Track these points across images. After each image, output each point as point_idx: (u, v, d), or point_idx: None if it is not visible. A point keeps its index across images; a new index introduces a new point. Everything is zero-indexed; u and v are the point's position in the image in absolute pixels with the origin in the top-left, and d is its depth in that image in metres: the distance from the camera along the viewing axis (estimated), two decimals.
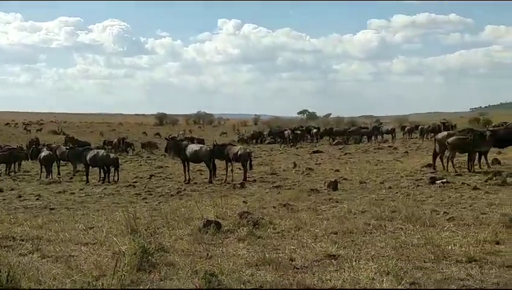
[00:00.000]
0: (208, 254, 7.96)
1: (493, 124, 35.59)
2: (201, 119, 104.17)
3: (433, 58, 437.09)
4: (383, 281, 6.39)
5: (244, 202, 13.79)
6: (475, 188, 14.42)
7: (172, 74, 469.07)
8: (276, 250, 8.18)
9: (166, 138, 24.69)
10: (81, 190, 19.61)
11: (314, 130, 50.06)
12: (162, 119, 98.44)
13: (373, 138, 45.13)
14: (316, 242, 8.54)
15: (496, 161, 20.51)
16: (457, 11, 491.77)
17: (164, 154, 31.18)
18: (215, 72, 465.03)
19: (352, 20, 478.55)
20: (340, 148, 38.00)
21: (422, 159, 23.03)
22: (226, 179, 20.18)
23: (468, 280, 6.51)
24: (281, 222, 10.27)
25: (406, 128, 50.12)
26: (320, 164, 25.99)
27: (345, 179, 18.35)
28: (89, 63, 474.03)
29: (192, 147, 21.53)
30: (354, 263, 7.09)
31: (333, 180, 16.69)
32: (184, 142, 22.62)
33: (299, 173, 21.75)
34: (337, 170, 21.79)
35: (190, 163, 21.44)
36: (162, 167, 28.28)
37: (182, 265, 7.29)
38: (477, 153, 19.33)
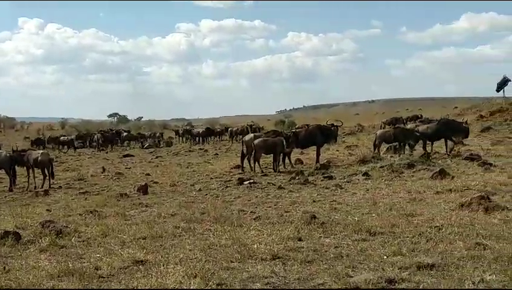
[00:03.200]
0: (4, 268, 7.38)
1: (296, 126, 37.64)
2: (2, 123, 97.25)
3: (240, 63, 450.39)
4: (190, 284, 6.36)
5: (47, 210, 13.05)
6: (280, 188, 15.08)
7: None
8: (80, 259, 7.82)
9: None
10: None
11: (125, 134, 49.36)
12: None
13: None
14: (123, 248, 8.30)
15: (299, 161, 21.71)
16: (262, 17, 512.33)
17: None
18: (17, 73, 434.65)
19: (160, 23, 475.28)
20: (152, 152, 37.80)
21: (231, 161, 23.58)
22: (28, 187, 18.98)
23: (272, 277, 6.70)
24: (87, 230, 9.88)
25: (216, 131, 51.18)
26: (130, 168, 25.55)
27: (155, 182, 18.21)
28: None
29: None
30: (162, 268, 6.98)
31: (143, 184, 16.47)
32: None
33: (108, 177, 21.17)
34: (148, 174, 21.61)
35: None
36: None
37: None
38: (282, 154, 20.31)
